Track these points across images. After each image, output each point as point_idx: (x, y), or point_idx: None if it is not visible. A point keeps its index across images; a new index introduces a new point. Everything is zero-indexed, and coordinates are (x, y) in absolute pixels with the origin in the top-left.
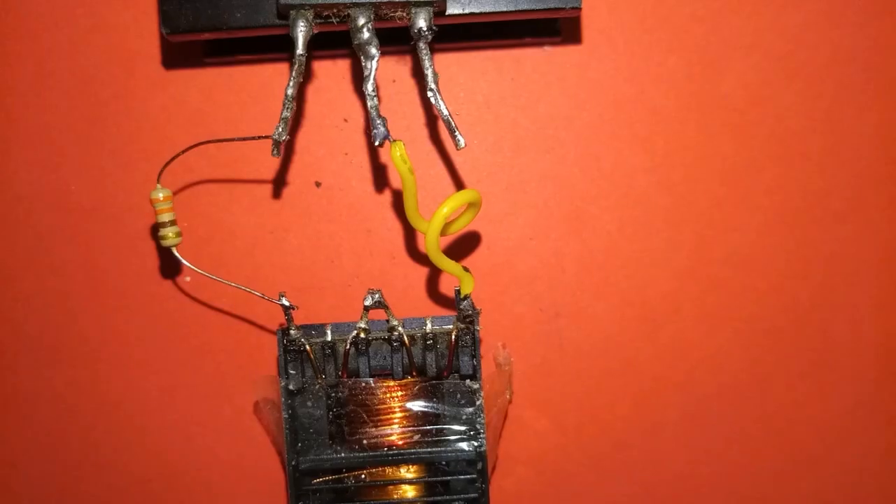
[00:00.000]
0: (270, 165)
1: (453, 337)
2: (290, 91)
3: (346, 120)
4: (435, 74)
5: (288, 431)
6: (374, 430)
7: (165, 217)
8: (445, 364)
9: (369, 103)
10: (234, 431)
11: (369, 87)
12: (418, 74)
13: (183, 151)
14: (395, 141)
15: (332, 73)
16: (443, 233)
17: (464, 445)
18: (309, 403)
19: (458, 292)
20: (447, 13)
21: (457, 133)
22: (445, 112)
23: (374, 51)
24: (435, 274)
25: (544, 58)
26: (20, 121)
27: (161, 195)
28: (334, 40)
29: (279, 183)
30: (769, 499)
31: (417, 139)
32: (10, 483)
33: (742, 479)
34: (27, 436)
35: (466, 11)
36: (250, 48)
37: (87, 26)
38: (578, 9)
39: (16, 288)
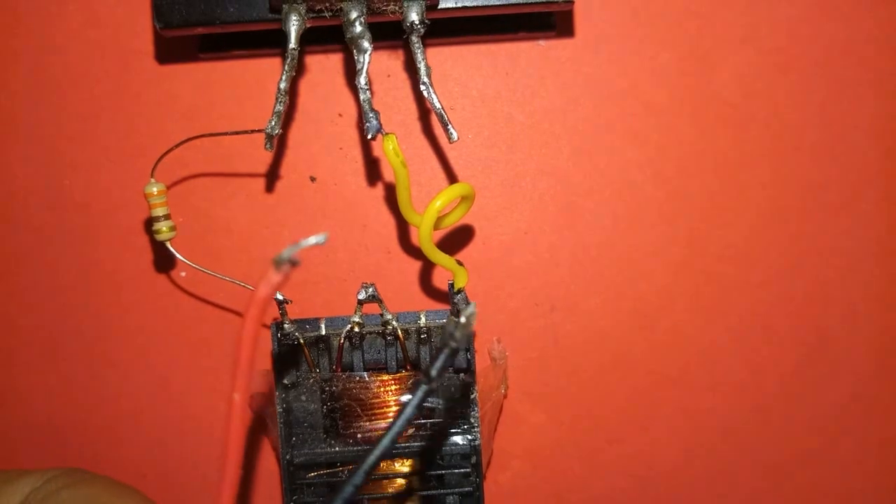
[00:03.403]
0: (265, 160)
1: None
2: (282, 85)
3: (340, 115)
4: (427, 68)
5: (282, 425)
6: (368, 423)
7: (159, 211)
8: None
9: (362, 97)
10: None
11: (362, 80)
12: (411, 69)
13: (177, 145)
14: (387, 134)
15: (326, 67)
16: (436, 227)
17: (458, 439)
18: (303, 397)
19: (451, 286)
20: (440, 7)
21: (449, 126)
22: (438, 105)
23: (366, 44)
24: (429, 268)
25: (539, 52)
26: (14, 116)
27: (155, 189)
28: (328, 35)
29: (274, 178)
30: (764, 493)
31: (412, 133)
32: None
33: (736, 473)
34: (23, 431)
35: (459, 5)
36: (245, 43)
37: (80, 21)
38: (572, 3)
39: (10, 283)
